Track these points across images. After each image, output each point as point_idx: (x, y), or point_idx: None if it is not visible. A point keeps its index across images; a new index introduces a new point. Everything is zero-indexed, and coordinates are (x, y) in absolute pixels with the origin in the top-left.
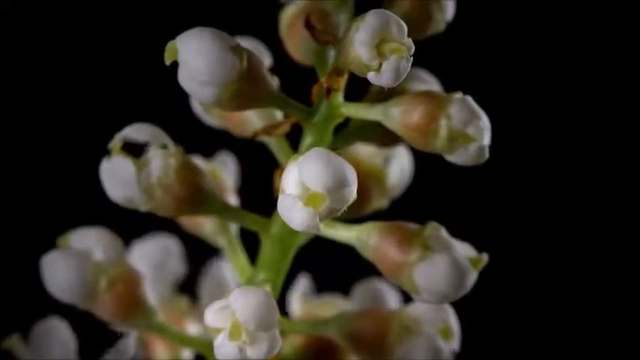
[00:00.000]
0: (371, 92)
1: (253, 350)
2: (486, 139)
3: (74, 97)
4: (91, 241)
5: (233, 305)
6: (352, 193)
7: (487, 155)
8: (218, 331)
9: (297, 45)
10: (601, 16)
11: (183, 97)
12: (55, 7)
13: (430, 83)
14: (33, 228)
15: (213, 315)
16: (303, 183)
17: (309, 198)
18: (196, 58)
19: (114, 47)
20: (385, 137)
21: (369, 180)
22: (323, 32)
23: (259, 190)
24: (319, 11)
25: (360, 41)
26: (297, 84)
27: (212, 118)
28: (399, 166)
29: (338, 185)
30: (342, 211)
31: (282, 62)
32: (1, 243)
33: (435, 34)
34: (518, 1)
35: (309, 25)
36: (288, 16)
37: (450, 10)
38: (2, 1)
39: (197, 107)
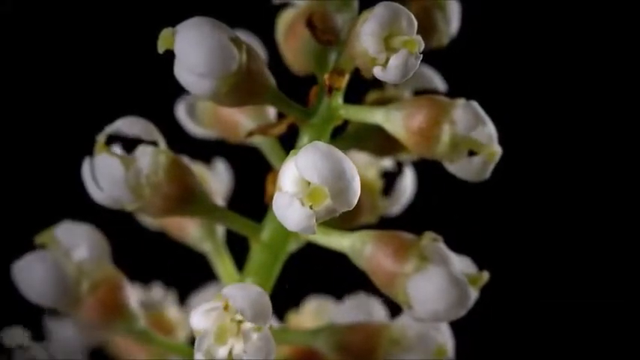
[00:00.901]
0: (369, 96)
1: (250, 354)
2: (495, 154)
3: (73, 97)
4: (77, 238)
5: (228, 295)
6: (355, 191)
7: (489, 173)
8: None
9: (297, 47)
10: (603, 21)
11: (170, 104)
12: (55, 7)
13: (435, 83)
14: (12, 229)
15: (200, 317)
16: (302, 180)
17: (309, 195)
18: (195, 49)
19: (112, 49)
20: (384, 143)
21: (361, 192)
22: (325, 31)
23: (248, 198)
24: (321, 12)
25: (368, 32)
26: (290, 94)
27: (201, 127)
28: (401, 186)
29: (337, 177)
30: (339, 213)
31: (274, 71)
32: None
33: (437, 47)
34: (523, 8)
35: (310, 25)
36: (288, 18)
37: (454, 23)
38: (2, 1)
39: (184, 118)
